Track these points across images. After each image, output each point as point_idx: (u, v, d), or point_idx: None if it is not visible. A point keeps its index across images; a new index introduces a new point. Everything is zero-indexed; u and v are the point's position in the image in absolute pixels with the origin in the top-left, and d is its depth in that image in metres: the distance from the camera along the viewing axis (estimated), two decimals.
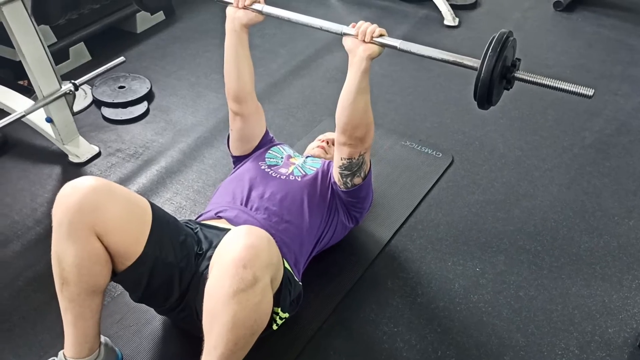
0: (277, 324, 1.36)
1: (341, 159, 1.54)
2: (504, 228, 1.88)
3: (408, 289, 1.67)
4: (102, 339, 1.37)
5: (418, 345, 1.52)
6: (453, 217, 1.92)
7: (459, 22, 3.13)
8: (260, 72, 2.70)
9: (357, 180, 1.58)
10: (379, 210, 1.89)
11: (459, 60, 1.33)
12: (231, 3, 1.59)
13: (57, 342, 1.50)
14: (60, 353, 1.33)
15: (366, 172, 1.59)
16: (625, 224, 1.90)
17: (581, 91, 1.25)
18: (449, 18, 3.12)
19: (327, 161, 1.73)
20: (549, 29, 3.13)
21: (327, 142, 1.86)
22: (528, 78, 1.29)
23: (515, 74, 1.29)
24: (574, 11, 3.23)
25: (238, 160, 1.79)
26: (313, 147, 1.86)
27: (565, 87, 1.26)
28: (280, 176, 1.63)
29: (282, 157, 1.73)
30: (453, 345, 1.52)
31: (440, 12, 3.15)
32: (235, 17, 1.60)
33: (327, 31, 1.48)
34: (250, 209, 1.52)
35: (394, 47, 1.40)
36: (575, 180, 2.08)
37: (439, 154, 2.17)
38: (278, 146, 1.80)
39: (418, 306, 1.63)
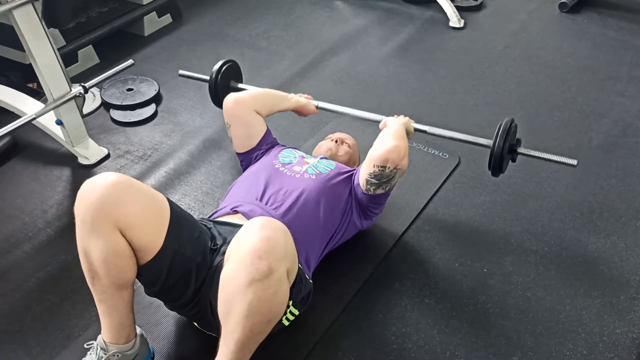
0: (287, 320, 1.37)
1: (374, 166, 1.59)
2: (511, 229, 1.89)
3: (416, 289, 1.68)
4: (138, 330, 1.40)
5: (426, 346, 1.53)
6: (460, 218, 1.93)
7: (465, 23, 3.13)
8: (266, 74, 2.72)
9: (380, 191, 1.64)
10: (387, 211, 1.89)
11: (476, 140, 1.81)
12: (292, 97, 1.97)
13: (69, 341, 1.52)
14: (99, 337, 1.36)
15: (391, 187, 1.66)
16: (632, 224, 1.90)
17: (566, 161, 1.68)
18: (455, 20, 3.13)
19: (341, 164, 1.77)
20: (555, 30, 3.14)
21: (337, 141, 1.88)
22: (527, 153, 1.73)
23: (518, 150, 1.72)
24: (580, 12, 3.23)
25: (244, 159, 1.83)
26: (323, 145, 1.88)
27: (554, 159, 1.70)
28: (295, 174, 1.65)
29: (295, 157, 1.76)
30: (461, 345, 1.53)
31: (445, 13, 3.16)
32: (297, 99, 1.96)
33: (369, 120, 1.93)
34: (266, 204, 1.54)
35: (424, 131, 1.84)
36: (582, 181, 2.08)
37: (445, 155, 2.18)
38: (290, 149, 1.83)
39: (426, 307, 1.64)
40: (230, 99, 1.83)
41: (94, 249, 1.24)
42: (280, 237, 1.18)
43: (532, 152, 1.72)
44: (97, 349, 1.35)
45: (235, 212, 1.54)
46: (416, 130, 1.82)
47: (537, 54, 2.89)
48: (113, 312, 1.31)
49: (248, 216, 1.50)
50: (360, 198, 1.66)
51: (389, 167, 1.58)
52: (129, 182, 1.28)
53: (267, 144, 1.83)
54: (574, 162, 1.67)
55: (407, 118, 1.81)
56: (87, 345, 1.39)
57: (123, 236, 1.25)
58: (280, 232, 1.19)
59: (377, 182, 1.61)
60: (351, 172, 1.72)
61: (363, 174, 1.63)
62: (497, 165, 1.69)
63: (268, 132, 1.85)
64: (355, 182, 1.67)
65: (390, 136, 1.65)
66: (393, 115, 1.84)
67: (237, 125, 1.82)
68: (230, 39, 3.02)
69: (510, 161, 1.76)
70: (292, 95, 1.97)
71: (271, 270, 1.13)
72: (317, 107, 1.97)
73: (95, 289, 1.29)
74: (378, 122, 1.85)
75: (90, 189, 1.25)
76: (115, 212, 1.23)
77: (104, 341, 1.34)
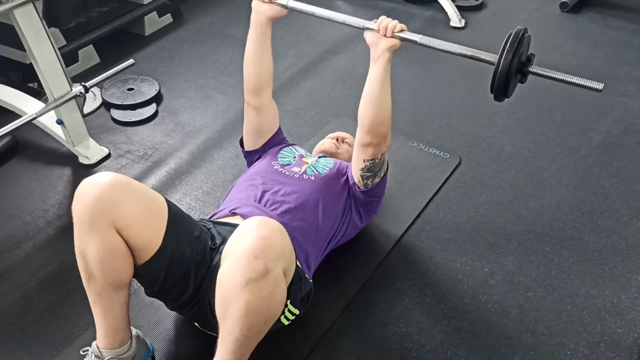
0: (287, 319, 1.37)
1: (364, 161, 1.58)
2: (512, 229, 1.88)
3: (417, 289, 1.68)
4: (134, 331, 1.39)
5: (427, 346, 1.53)
6: (461, 218, 1.93)
7: (465, 23, 3.13)
8: None
9: (377, 179, 1.63)
10: (387, 211, 1.90)
11: (476, 54, 1.43)
12: None
13: (70, 341, 1.52)
14: (94, 344, 1.35)
15: (385, 170, 1.65)
16: (633, 224, 1.90)
17: (591, 85, 1.32)
18: (455, 19, 3.12)
19: (339, 161, 1.76)
20: (556, 30, 3.13)
21: (338, 139, 1.88)
22: (542, 72, 1.36)
23: (530, 68, 1.37)
24: (580, 12, 3.23)
25: (249, 157, 1.83)
26: (324, 143, 1.88)
27: (576, 82, 1.33)
28: (293, 175, 1.65)
29: (294, 157, 1.75)
30: (462, 345, 1.53)
31: (446, 13, 3.16)
32: (260, 10, 1.66)
33: (350, 25, 1.56)
34: (264, 206, 1.54)
35: (414, 42, 1.48)
36: (583, 180, 2.08)
37: (446, 155, 2.18)
38: (290, 147, 1.83)
39: (427, 306, 1.63)
40: (251, 98, 1.74)
41: (90, 248, 1.24)
42: (276, 236, 1.18)
43: (548, 72, 1.36)
44: (91, 356, 1.34)
45: (234, 214, 1.53)
46: (404, 40, 1.50)
47: (537, 53, 2.83)
48: (108, 314, 1.30)
49: (246, 217, 1.48)
50: (358, 196, 1.66)
51: (377, 158, 1.58)
52: (126, 181, 1.28)
53: (271, 146, 1.82)
54: (600, 85, 1.32)
55: (392, 40, 1.51)
56: (83, 352, 1.38)
57: (120, 236, 1.24)
58: (276, 231, 1.19)
59: (371, 173, 1.61)
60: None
61: (355, 173, 1.62)
62: (501, 85, 1.35)
63: (278, 133, 1.82)
64: (351, 182, 1.66)
65: (373, 118, 1.50)
66: (373, 20, 1.58)
67: (251, 125, 1.79)
68: (230, 38, 3.02)
69: (518, 82, 1.43)
70: (257, 15, 1.67)
71: (267, 269, 1.13)
72: (286, 7, 1.64)
73: (91, 290, 1.29)
74: (360, 28, 1.56)
75: (88, 189, 1.24)
76: (112, 211, 1.22)
77: (98, 348, 1.33)
